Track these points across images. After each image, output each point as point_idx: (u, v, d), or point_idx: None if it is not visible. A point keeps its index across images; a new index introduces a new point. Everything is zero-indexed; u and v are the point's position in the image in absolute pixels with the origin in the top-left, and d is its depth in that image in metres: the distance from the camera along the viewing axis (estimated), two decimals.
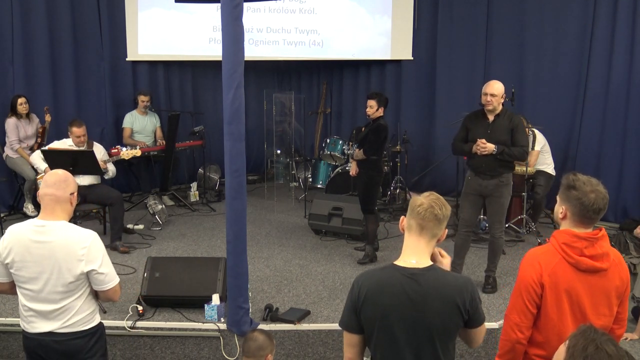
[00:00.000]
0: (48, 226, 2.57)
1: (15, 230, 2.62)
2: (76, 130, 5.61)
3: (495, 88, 4.45)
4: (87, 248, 2.57)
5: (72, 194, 2.66)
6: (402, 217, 2.17)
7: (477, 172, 4.55)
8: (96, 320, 2.74)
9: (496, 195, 4.53)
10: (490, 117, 4.52)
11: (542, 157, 6.23)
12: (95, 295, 2.72)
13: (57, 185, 2.62)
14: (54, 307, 2.59)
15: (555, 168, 6.32)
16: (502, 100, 4.49)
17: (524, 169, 6.00)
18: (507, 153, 4.44)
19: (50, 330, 2.61)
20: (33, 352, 2.68)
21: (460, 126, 4.73)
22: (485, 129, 4.51)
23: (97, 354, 2.73)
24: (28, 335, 2.67)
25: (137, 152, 5.96)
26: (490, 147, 4.42)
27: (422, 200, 2.10)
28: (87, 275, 2.60)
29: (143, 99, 7.21)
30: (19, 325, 3.92)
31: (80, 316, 2.64)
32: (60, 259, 2.54)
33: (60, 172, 2.69)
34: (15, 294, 2.69)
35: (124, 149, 6.03)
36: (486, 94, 4.46)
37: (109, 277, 2.65)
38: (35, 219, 2.63)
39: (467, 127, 4.63)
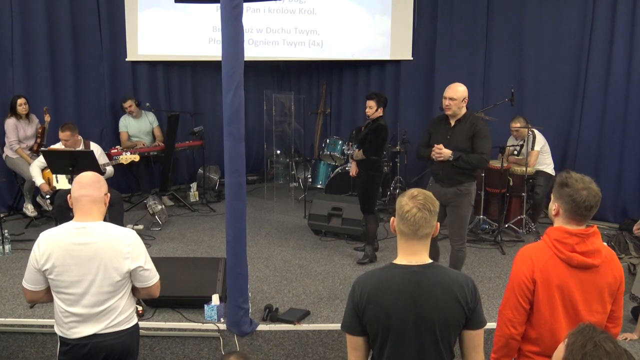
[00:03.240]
0: (89, 227, 2.54)
1: (52, 235, 2.56)
2: (60, 134, 5.62)
3: (456, 91, 4.24)
4: (131, 245, 2.57)
5: (106, 194, 2.66)
6: (392, 218, 2.15)
7: (436, 178, 4.39)
8: (135, 318, 2.73)
9: (454, 204, 4.30)
10: (452, 122, 4.32)
11: (541, 157, 6.24)
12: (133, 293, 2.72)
13: (93, 186, 2.60)
14: (98, 309, 2.56)
15: (554, 168, 6.32)
16: (464, 104, 4.27)
17: (524, 169, 6.01)
18: (464, 160, 4.20)
19: (94, 332, 2.56)
20: (74, 358, 2.61)
21: (424, 130, 4.60)
22: (445, 134, 4.32)
23: (135, 352, 2.74)
24: (69, 342, 2.59)
25: (136, 158, 5.96)
26: (447, 153, 4.22)
27: (409, 205, 2.05)
28: (132, 273, 2.60)
29: (125, 106, 7.17)
30: (18, 325, 3.97)
31: (123, 315, 2.63)
32: (106, 258, 2.52)
33: (91, 174, 2.67)
34: (48, 301, 2.65)
35: (123, 154, 6.01)
36: (445, 98, 4.25)
37: (153, 273, 2.67)
38: (71, 222, 2.59)
39: (430, 132, 4.47)
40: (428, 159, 4.45)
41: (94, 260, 2.51)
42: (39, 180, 5.73)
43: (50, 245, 2.53)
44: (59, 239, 2.54)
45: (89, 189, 2.58)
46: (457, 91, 4.25)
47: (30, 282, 2.59)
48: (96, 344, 2.57)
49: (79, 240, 2.52)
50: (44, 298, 2.65)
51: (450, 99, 4.24)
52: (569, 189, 2.24)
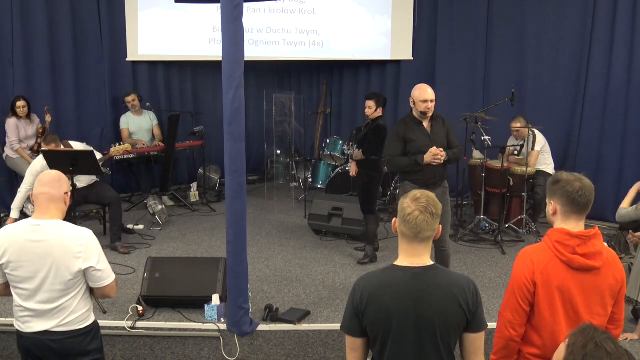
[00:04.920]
0: (43, 225, 2.58)
1: (10, 231, 2.63)
2: (44, 146, 5.39)
3: (430, 93, 4.23)
4: (84, 245, 2.59)
5: (66, 193, 2.68)
6: (394, 219, 2.14)
7: (426, 184, 4.11)
8: (91, 318, 2.75)
9: (443, 203, 4.29)
10: (426, 124, 4.31)
11: (542, 157, 6.23)
12: (91, 293, 2.73)
13: (52, 184, 2.64)
14: (50, 307, 2.60)
15: (555, 168, 6.31)
16: None
17: (524, 169, 6.00)
18: (453, 158, 4.29)
19: (46, 329, 2.62)
20: (28, 352, 2.70)
21: (395, 139, 4.36)
22: (427, 136, 4.28)
23: (93, 352, 2.74)
24: (23, 335, 2.68)
25: (128, 147, 5.90)
26: (444, 155, 4.20)
27: (411, 208, 2.03)
28: (85, 273, 2.62)
29: (128, 100, 7.19)
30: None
31: (76, 315, 2.65)
32: (57, 257, 2.55)
33: (54, 172, 2.72)
34: (9, 295, 2.69)
35: (113, 147, 5.89)
36: (426, 101, 4.20)
37: (106, 274, 2.67)
38: (29, 218, 2.65)
39: (405, 140, 4.29)
40: (420, 167, 4.21)
41: (46, 257, 2.55)
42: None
43: (7, 240, 2.59)
44: (15, 234, 2.60)
45: (47, 187, 2.63)
46: (432, 93, 4.27)
47: None
48: (48, 341, 2.62)
49: (33, 237, 2.57)
50: (3, 292, 2.71)
51: (431, 101, 4.24)
52: (561, 183, 2.26)
